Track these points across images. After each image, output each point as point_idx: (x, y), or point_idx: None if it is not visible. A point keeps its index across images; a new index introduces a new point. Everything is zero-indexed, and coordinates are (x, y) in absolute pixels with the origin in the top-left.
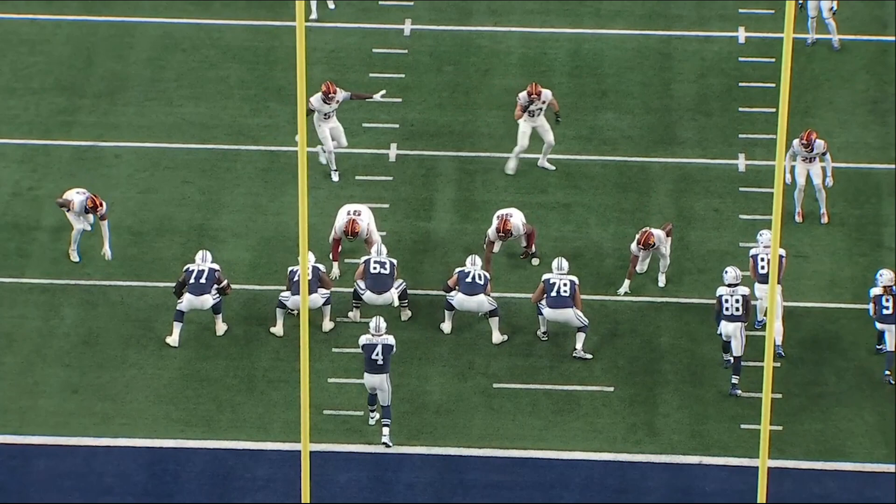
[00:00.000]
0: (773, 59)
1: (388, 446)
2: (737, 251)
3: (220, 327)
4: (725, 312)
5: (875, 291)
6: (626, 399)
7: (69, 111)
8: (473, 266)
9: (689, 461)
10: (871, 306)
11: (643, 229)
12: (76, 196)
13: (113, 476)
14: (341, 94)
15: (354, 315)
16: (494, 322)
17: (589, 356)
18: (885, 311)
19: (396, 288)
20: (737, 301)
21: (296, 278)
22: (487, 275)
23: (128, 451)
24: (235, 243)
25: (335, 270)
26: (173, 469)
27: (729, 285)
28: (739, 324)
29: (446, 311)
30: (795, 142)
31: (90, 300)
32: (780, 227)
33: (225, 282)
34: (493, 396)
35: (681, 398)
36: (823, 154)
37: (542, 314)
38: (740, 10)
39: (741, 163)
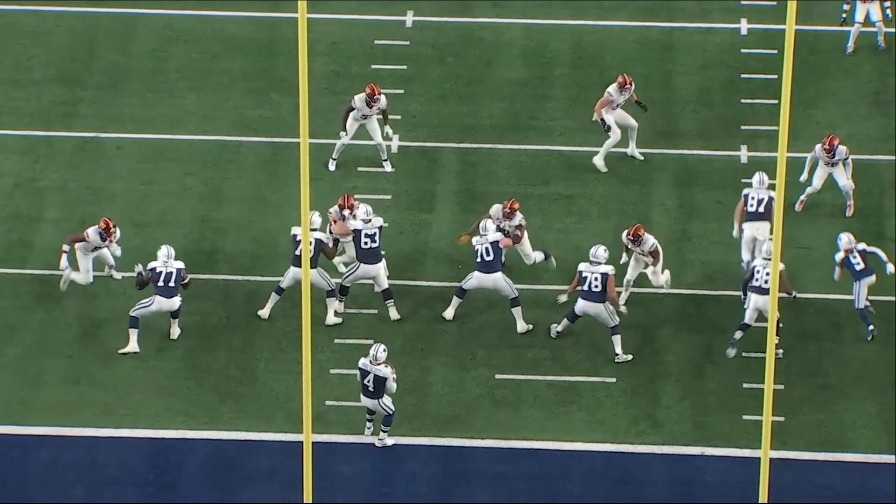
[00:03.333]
0: (776, 51)
1: (377, 445)
2: (739, 242)
3: (175, 331)
4: (755, 283)
5: (839, 256)
6: (628, 390)
7: (71, 102)
8: (485, 234)
9: (692, 452)
10: (837, 271)
11: (636, 225)
12: (90, 230)
13: (115, 467)
14: (384, 101)
15: (338, 306)
16: (517, 312)
17: (629, 357)
18: (857, 268)
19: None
20: (767, 274)
21: (297, 251)
22: (498, 240)
23: (130, 441)
24: (238, 234)
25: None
26: (175, 460)
27: (766, 259)
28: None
29: (455, 297)
30: (818, 147)
31: (92, 292)
32: (782, 217)
33: (188, 278)
34: (496, 387)
35: (683, 389)
36: (845, 159)
37: (574, 309)
38: (742, 2)
39: (743, 154)
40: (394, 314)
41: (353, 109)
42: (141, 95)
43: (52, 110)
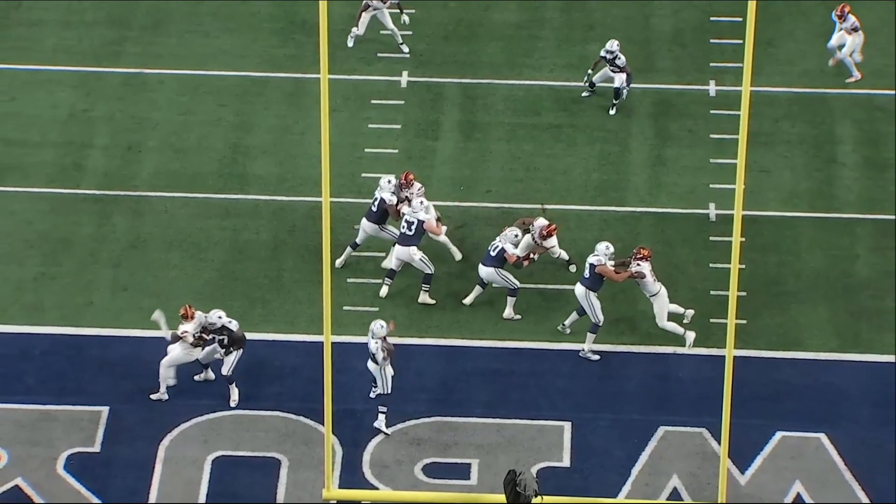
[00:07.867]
0: None
1: (384, 434)
2: (708, 166)
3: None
4: None
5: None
6: (609, 297)
7: (118, 42)
8: (502, 238)
9: (665, 351)
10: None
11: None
12: (195, 319)
13: (159, 364)
14: None
15: (383, 291)
16: (510, 301)
17: (595, 357)
18: None
19: (420, 259)
20: None
21: (372, 207)
22: (502, 246)
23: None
24: (266, 159)
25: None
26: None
27: None
28: None
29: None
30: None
31: (138, 209)
32: (745, 146)
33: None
34: (493, 295)
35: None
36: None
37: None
38: None
39: (712, 88)
40: (423, 298)
41: (368, 7)
42: (179, 36)
43: (102, 49)
